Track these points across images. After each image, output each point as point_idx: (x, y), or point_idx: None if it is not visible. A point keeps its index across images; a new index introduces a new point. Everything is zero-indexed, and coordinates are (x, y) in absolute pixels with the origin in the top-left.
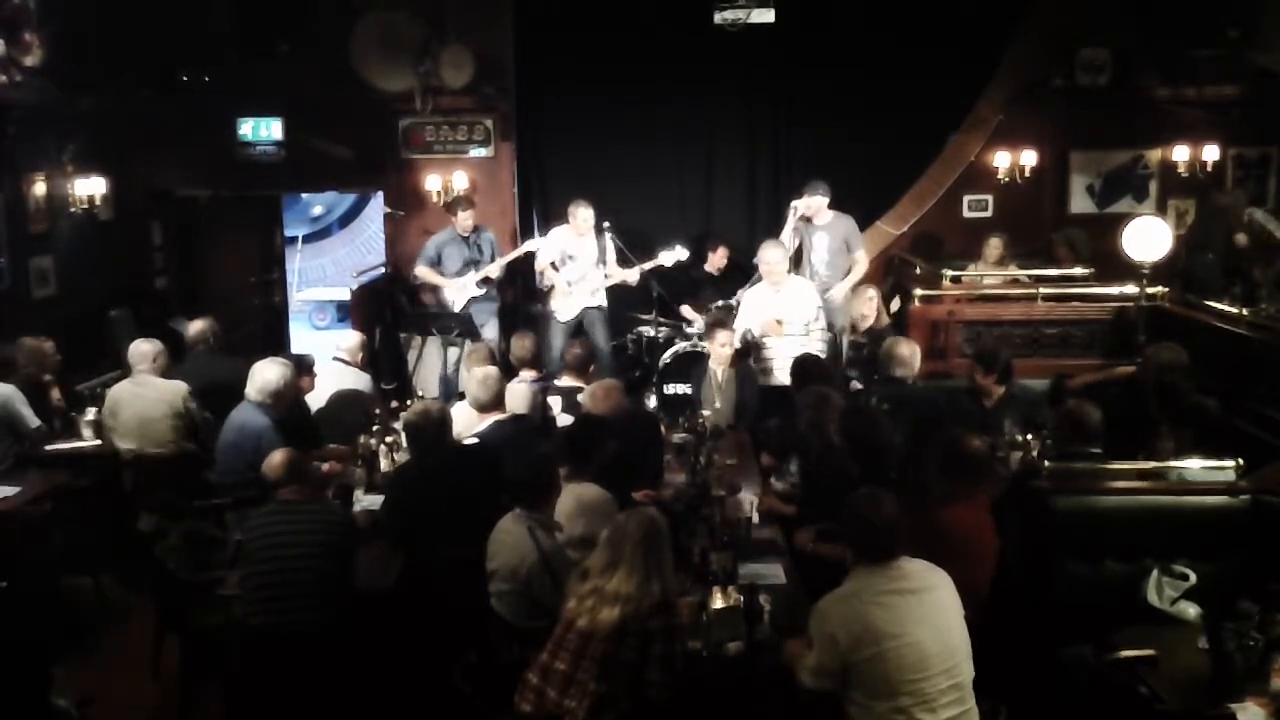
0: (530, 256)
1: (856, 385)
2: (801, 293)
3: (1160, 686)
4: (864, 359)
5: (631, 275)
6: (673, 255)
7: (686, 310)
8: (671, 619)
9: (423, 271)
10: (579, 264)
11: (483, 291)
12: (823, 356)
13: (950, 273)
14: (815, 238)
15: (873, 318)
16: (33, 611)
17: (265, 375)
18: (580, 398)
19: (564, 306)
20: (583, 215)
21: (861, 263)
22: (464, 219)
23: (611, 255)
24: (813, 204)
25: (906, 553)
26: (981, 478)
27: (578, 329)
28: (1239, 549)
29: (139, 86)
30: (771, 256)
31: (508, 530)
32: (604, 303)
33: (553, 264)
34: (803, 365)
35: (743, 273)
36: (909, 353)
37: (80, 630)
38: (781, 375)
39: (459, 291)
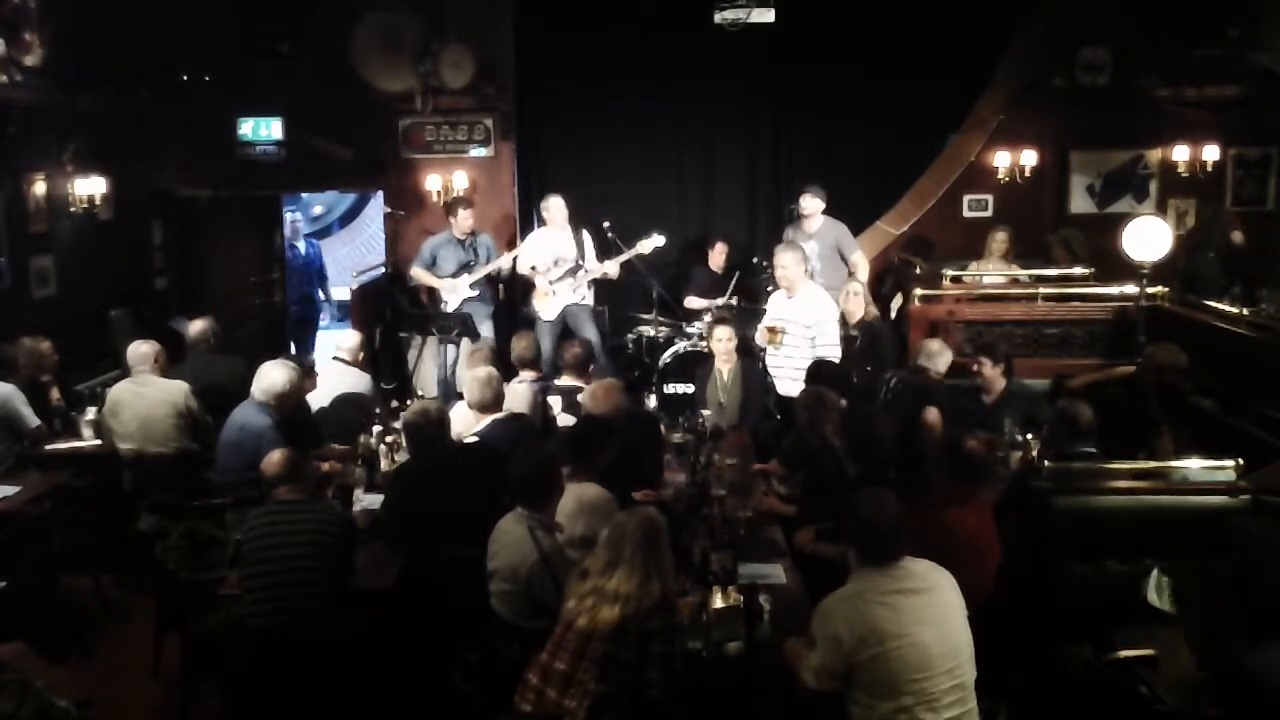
0: None
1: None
2: (811, 303)
3: (1160, 686)
4: (858, 351)
5: (611, 268)
6: (651, 243)
7: (693, 301)
8: (671, 619)
9: (418, 274)
10: (561, 262)
11: (476, 293)
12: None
13: (950, 272)
14: (806, 247)
15: (860, 312)
16: (33, 611)
17: (271, 377)
18: (580, 397)
19: (546, 306)
20: (554, 205)
21: (862, 265)
22: (463, 219)
23: (590, 250)
24: (810, 205)
25: (909, 552)
26: (982, 478)
27: (563, 328)
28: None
29: (139, 86)
30: (780, 260)
31: (508, 530)
32: (588, 299)
33: (532, 267)
34: (818, 370)
35: (743, 271)
36: (937, 348)
37: (80, 630)
38: (782, 385)
39: (453, 293)
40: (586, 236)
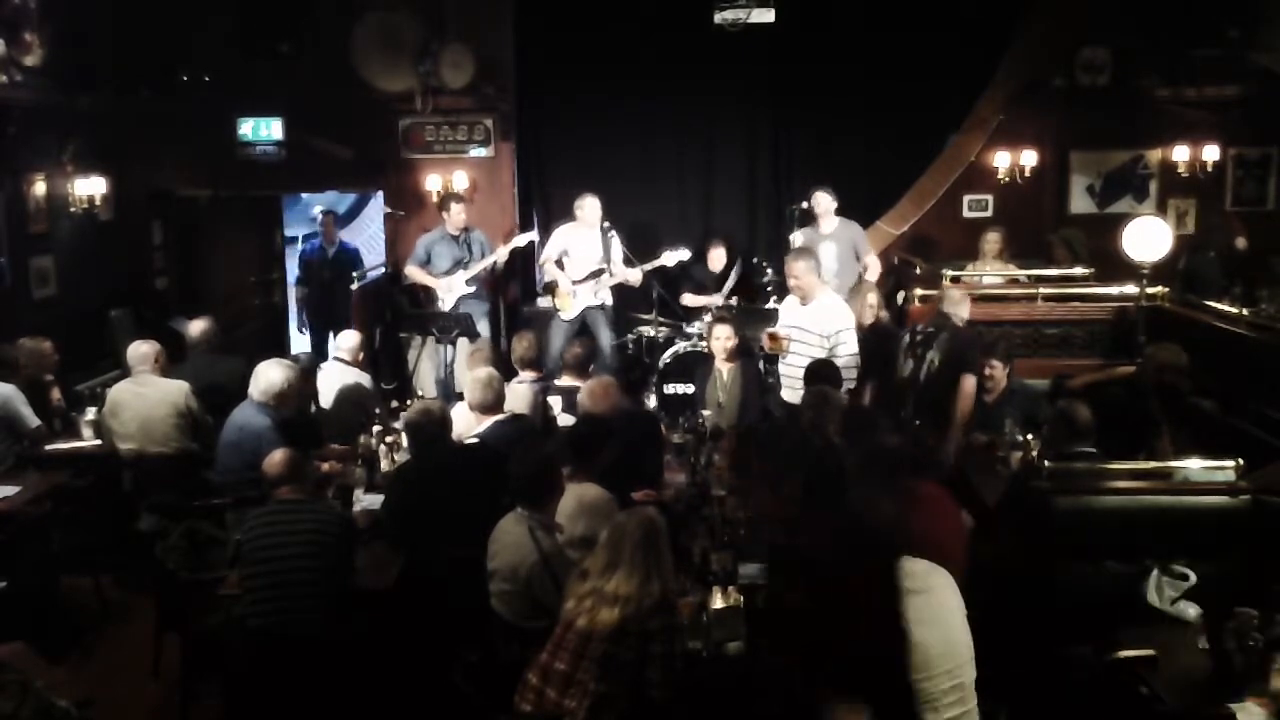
0: (526, 256)
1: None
2: (828, 313)
3: (1160, 686)
4: (870, 354)
5: (635, 276)
6: (676, 255)
7: (689, 299)
8: (671, 619)
9: (412, 271)
10: (583, 262)
11: (472, 290)
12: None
13: (950, 273)
14: (823, 247)
15: (872, 319)
16: (33, 611)
17: (269, 376)
18: (578, 396)
19: (566, 306)
20: (589, 204)
21: (873, 268)
22: (456, 214)
23: (617, 255)
24: (824, 203)
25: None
26: (907, 471)
27: (581, 328)
28: (1239, 549)
29: (139, 86)
30: (793, 270)
31: (508, 530)
32: (608, 301)
33: (557, 262)
34: (815, 371)
35: (743, 271)
36: (959, 296)
37: (80, 630)
38: (787, 394)
39: (449, 292)
40: (615, 241)
